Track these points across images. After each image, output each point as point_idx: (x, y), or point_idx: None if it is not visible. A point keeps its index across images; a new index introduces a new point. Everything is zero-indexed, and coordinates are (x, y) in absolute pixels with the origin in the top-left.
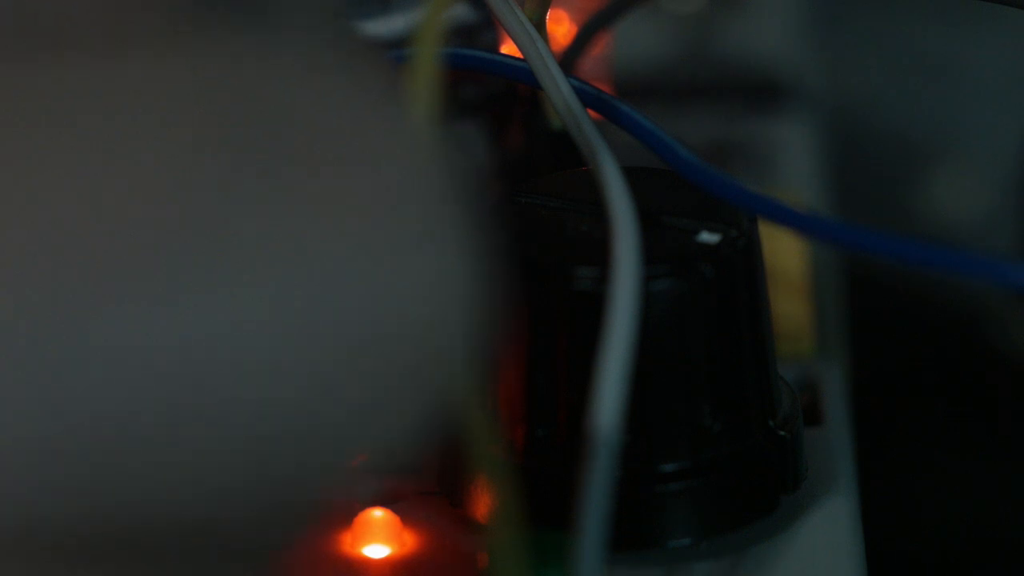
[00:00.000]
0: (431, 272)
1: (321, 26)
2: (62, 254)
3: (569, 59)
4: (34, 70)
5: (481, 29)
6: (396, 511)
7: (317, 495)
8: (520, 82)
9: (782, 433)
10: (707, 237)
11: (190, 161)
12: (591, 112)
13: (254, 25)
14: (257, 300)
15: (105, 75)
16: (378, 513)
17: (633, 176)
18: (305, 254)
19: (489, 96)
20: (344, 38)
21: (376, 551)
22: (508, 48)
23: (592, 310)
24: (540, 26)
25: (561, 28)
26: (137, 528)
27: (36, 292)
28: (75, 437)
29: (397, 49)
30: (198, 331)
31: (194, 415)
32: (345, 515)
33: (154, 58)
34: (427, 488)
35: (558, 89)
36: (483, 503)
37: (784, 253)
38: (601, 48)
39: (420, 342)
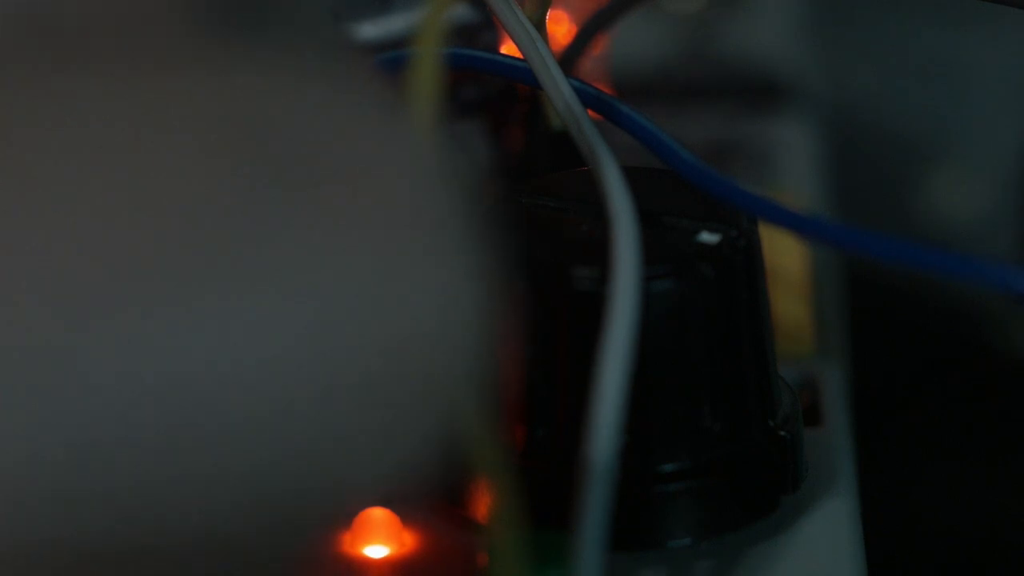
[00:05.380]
0: (440, 288)
1: (324, 37)
2: (77, 270)
3: (569, 59)
4: (54, 86)
5: (481, 29)
6: (396, 511)
7: (328, 509)
8: (520, 82)
9: (782, 433)
10: (707, 237)
11: (201, 178)
12: (591, 112)
13: (263, 39)
14: (268, 317)
15: (122, 92)
16: (378, 513)
17: (633, 176)
18: (316, 271)
19: (489, 96)
20: (344, 48)
21: (376, 551)
22: (508, 48)
23: (592, 310)
24: (540, 26)
25: (561, 28)
26: (148, 542)
27: (53, 309)
28: (89, 452)
29: (397, 49)
30: (209, 348)
31: (207, 430)
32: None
33: (171, 75)
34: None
35: (558, 89)
36: (483, 503)
37: (784, 253)
38: (601, 48)
39: (429, 359)
